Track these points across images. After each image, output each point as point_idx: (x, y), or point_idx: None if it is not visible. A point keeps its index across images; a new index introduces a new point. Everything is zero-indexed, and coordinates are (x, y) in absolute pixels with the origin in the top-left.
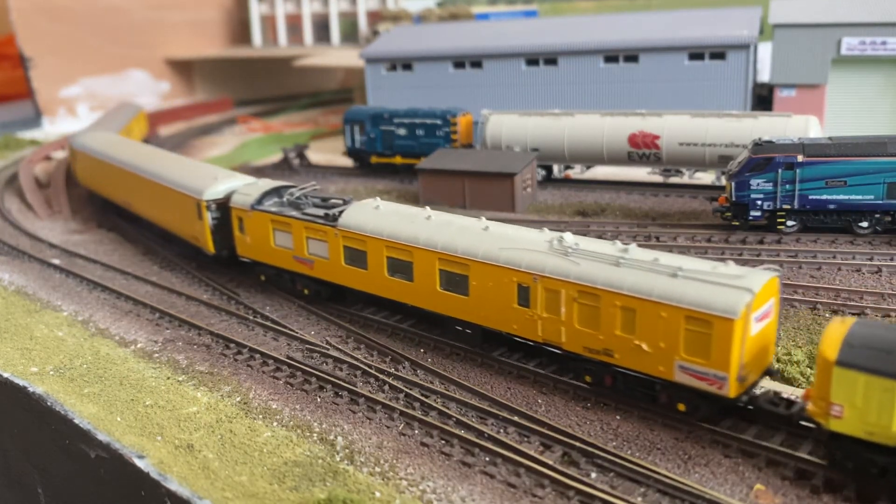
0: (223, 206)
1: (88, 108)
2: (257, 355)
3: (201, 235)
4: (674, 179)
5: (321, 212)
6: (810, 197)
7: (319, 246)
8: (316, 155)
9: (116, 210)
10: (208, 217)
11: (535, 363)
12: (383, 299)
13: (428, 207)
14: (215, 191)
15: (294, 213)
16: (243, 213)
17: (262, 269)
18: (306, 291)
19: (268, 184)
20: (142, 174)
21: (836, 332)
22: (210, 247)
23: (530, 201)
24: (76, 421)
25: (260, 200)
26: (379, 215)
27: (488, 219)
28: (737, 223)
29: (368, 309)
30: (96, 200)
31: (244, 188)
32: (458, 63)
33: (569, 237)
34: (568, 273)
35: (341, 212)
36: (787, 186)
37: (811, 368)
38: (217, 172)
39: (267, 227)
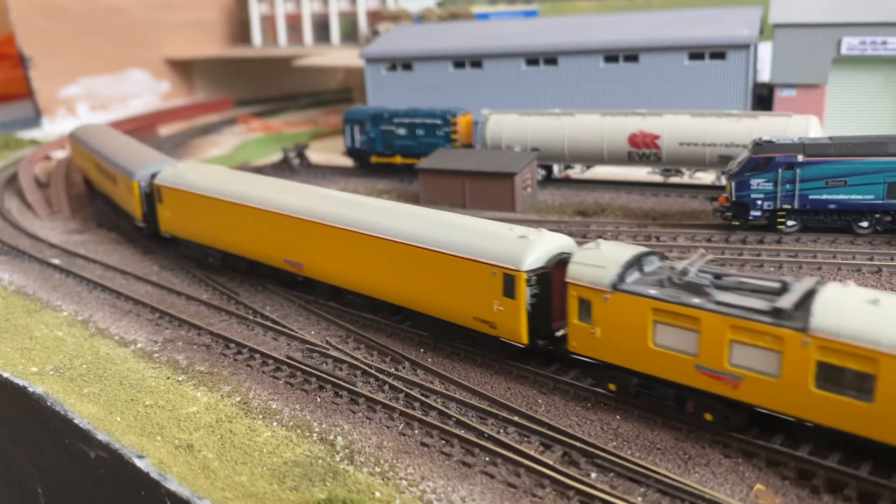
0: (544, 280)
1: (88, 108)
2: (257, 355)
3: (508, 321)
4: (674, 179)
5: (758, 303)
6: (810, 197)
7: (758, 357)
8: (316, 155)
9: (252, 268)
10: (526, 295)
11: (534, 363)
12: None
13: None
14: (535, 258)
15: (698, 302)
16: (594, 294)
17: (619, 376)
18: (709, 417)
19: (620, 249)
20: (366, 232)
21: None
22: (522, 335)
23: (530, 201)
24: (76, 421)
25: (622, 276)
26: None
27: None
28: (737, 223)
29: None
30: (184, 249)
31: (584, 255)
32: (458, 63)
33: None
34: None
35: (802, 305)
36: (788, 186)
37: None
38: (520, 229)
39: (643, 318)
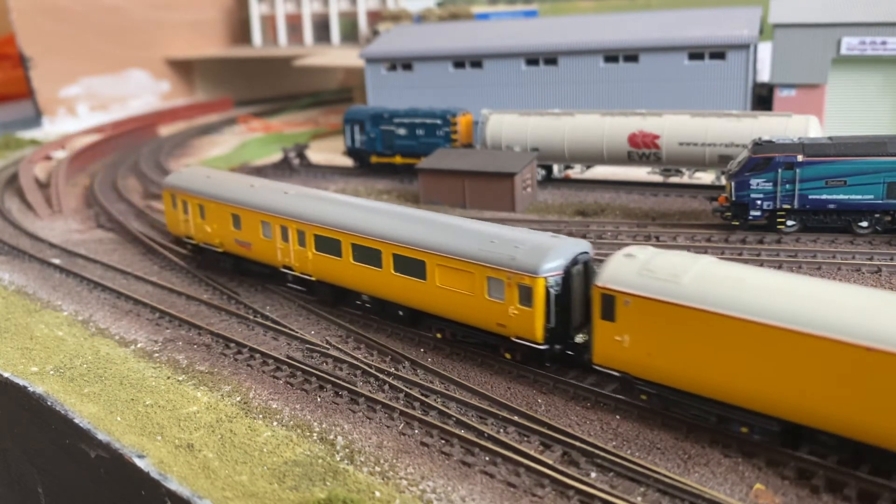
0: None
1: (88, 108)
2: (257, 355)
3: None
4: (674, 179)
5: None
6: (810, 197)
7: None
8: (316, 155)
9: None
10: None
11: (534, 363)
12: None
13: None
14: None
15: None
16: None
17: None
18: None
19: None
20: None
21: None
22: None
23: (530, 201)
24: (76, 420)
25: None
26: None
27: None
28: (737, 223)
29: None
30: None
31: None
32: (458, 63)
33: None
34: None
35: None
36: (787, 186)
37: None
38: None
39: None
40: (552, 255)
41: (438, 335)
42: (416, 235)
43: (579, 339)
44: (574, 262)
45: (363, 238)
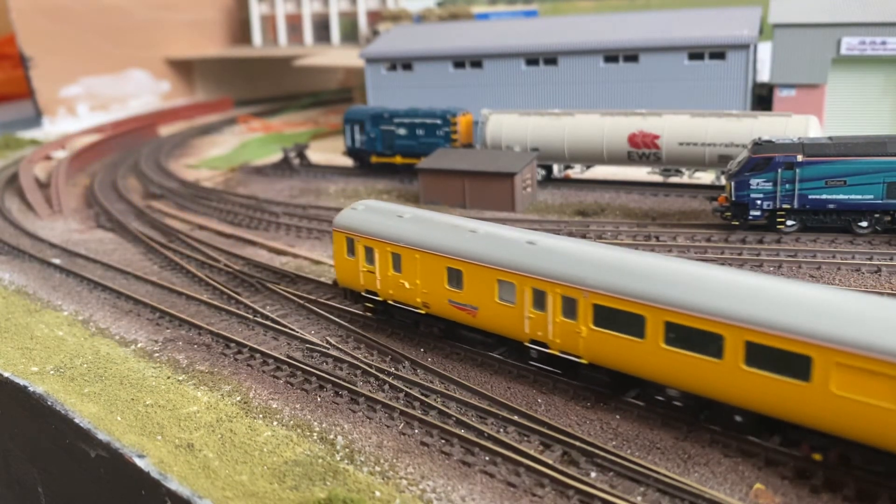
0: None
1: (88, 108)
2: (257, 355)
3: None
4: (674, 179)
5: None
6: (810, 196)
7: None
8: (316, 155)
9: None
10: None
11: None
12: None
13: None
14: None
15: None
16: None
17: None
18: None
19: None
20: None
21: None
22: None
23: (530, 201)
24: (76, 420)
25: None
26: None
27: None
28: (736, 223)
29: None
30: None
31: None
32: (458, 63)
33: None
34: None
35: None
36: (787, 186)
37: None
38: None
39: None
40: None
41: (816, 457)
42: (795, 319)
43: None
44: None
45: (689, 316)
